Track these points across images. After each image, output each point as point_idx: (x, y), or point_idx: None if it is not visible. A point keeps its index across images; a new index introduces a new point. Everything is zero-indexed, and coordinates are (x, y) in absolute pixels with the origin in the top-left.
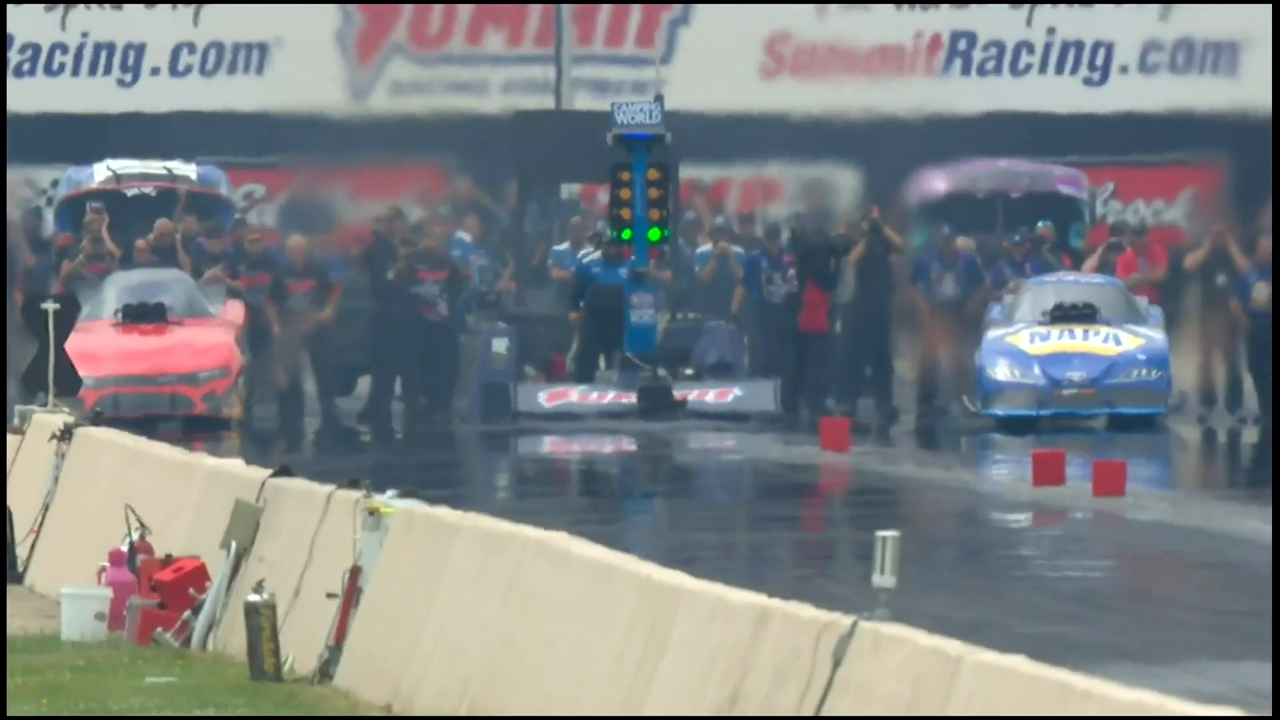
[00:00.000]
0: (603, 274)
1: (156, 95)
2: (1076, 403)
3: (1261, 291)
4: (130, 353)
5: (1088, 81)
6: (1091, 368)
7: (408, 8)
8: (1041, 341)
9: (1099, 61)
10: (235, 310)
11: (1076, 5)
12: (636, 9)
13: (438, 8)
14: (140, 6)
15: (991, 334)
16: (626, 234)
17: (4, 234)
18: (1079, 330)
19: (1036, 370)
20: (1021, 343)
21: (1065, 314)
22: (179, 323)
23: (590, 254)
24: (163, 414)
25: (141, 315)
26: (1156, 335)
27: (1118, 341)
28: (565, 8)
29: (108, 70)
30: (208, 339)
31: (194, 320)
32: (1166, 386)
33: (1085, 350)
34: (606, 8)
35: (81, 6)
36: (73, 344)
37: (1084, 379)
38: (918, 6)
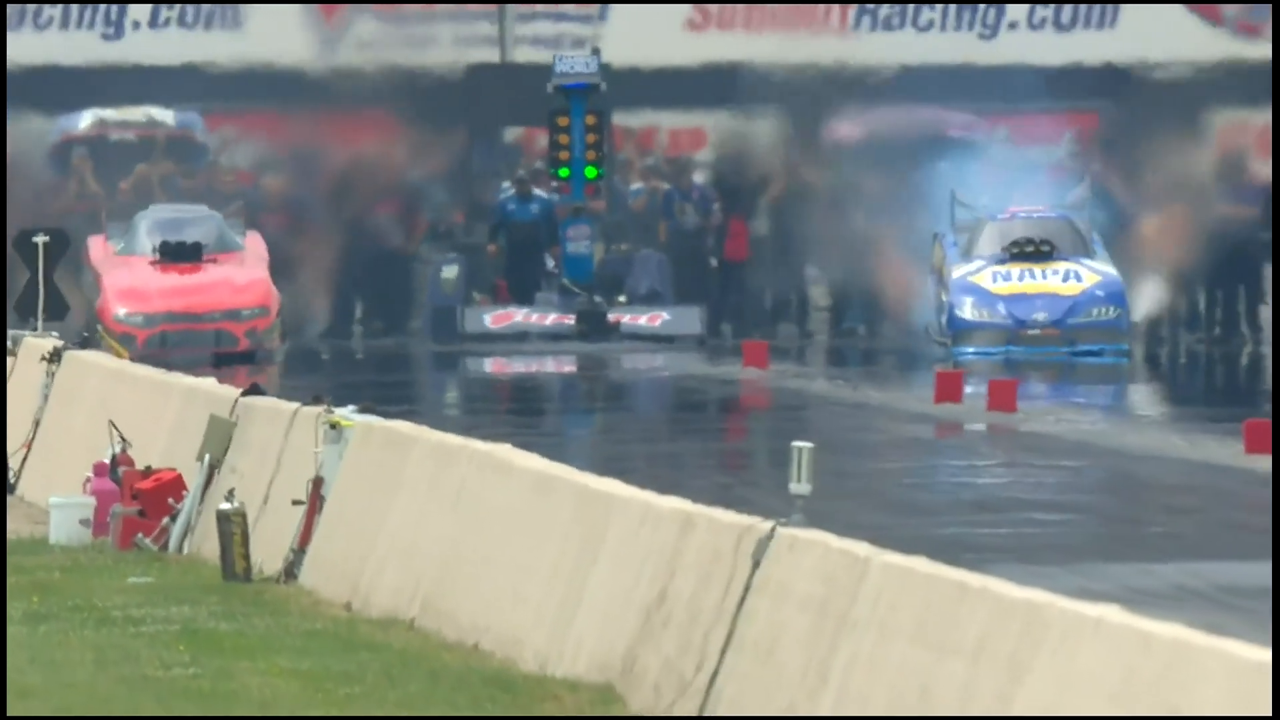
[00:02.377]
0: (516, 211)
1: (137, 48)
2: (1042, 342)
3: (1145, 224)
4: (174, 290)
5: (982, 36)
6: (1054, 308)
7: None
8: (1004, 281)
9: (990, 19)
10: (257, 242)
11: None
12: None
13: None
14: None
15: (956, 272)
16: (565, 172)
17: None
18: (1039, 269)
19: (1003, 310)
20: (985, 281)
21: (1024, 251)
22: (214, 259)
23: (508, 191)
24: (208, 350)
25: (180, 254)
26: (1111, 271)
27: (1077, 279)
28: None
29: (92, 25)
30: (245, 276)
31: (226, 256)
32: (1126, 324)
33: (1048, 290)
34: None
35: None
36: (116, 279)
37: (1047, 319)
38: None
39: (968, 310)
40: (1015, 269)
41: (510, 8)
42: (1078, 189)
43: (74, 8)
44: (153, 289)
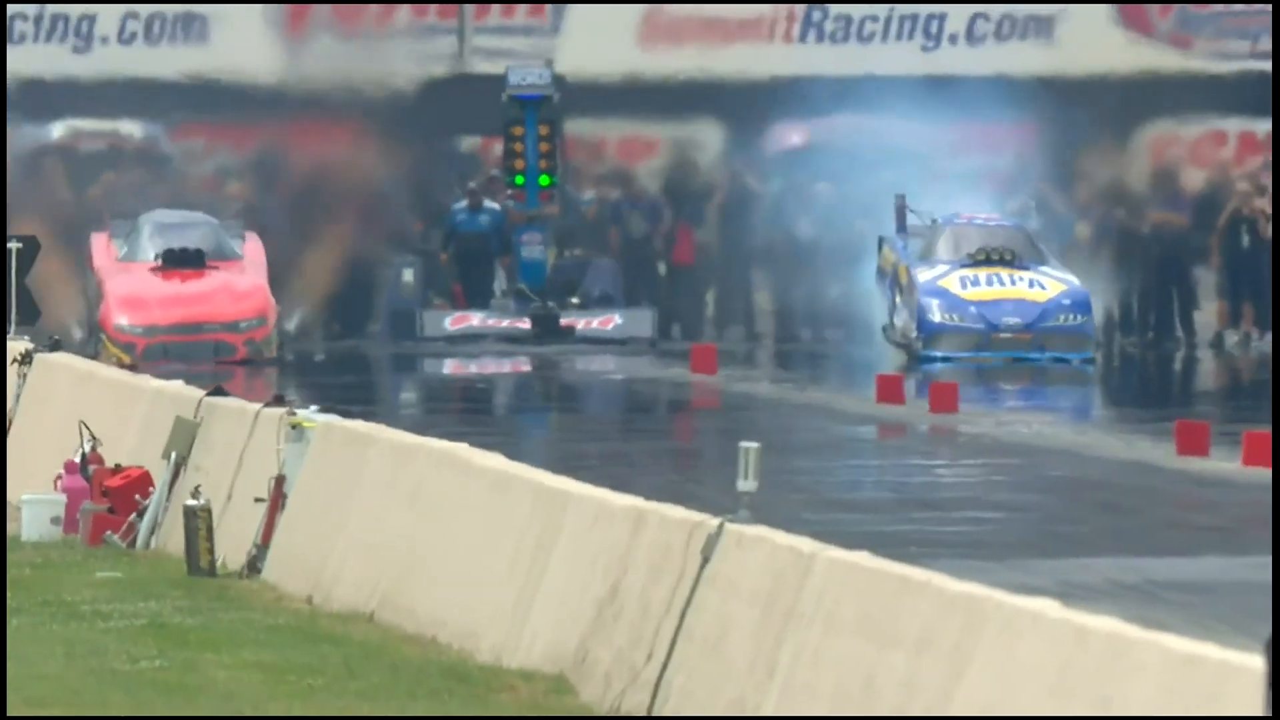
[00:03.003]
0: (466, 222)
1: (106, 61)
2: (1012, 346)
3: (1081, 231)
4: (174, 298)
5: (924, 49)
6: (1025, 313)
7: None
8: (974, 286)
9: (933, 31)
10: (256, 248)
11: None
12: None
13: None
14: None
15: (921, 275)
16: (519, 180)
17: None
18: (1006, 275)
19: (974, 313)
20: (953, 286)
21: (989, 258)
22: (215, 267)
23: (461, 202)
24: (207, 360)
25: (182, 260)
26: (1074, 279)
27: (1042, 287)
28: None
29: (63, 38)
30: (244, 284)
31: (226, 263)
32: (1092, 330)
33: (1018, 296)
34: None
35: None
36: (117, 286)
37: (1019, 324)
38: None
39: (936, 313)
40: (982, 274)
41: (467, 22)
42: (1021, 198)
43: (45, 22)
44: (153, 298)
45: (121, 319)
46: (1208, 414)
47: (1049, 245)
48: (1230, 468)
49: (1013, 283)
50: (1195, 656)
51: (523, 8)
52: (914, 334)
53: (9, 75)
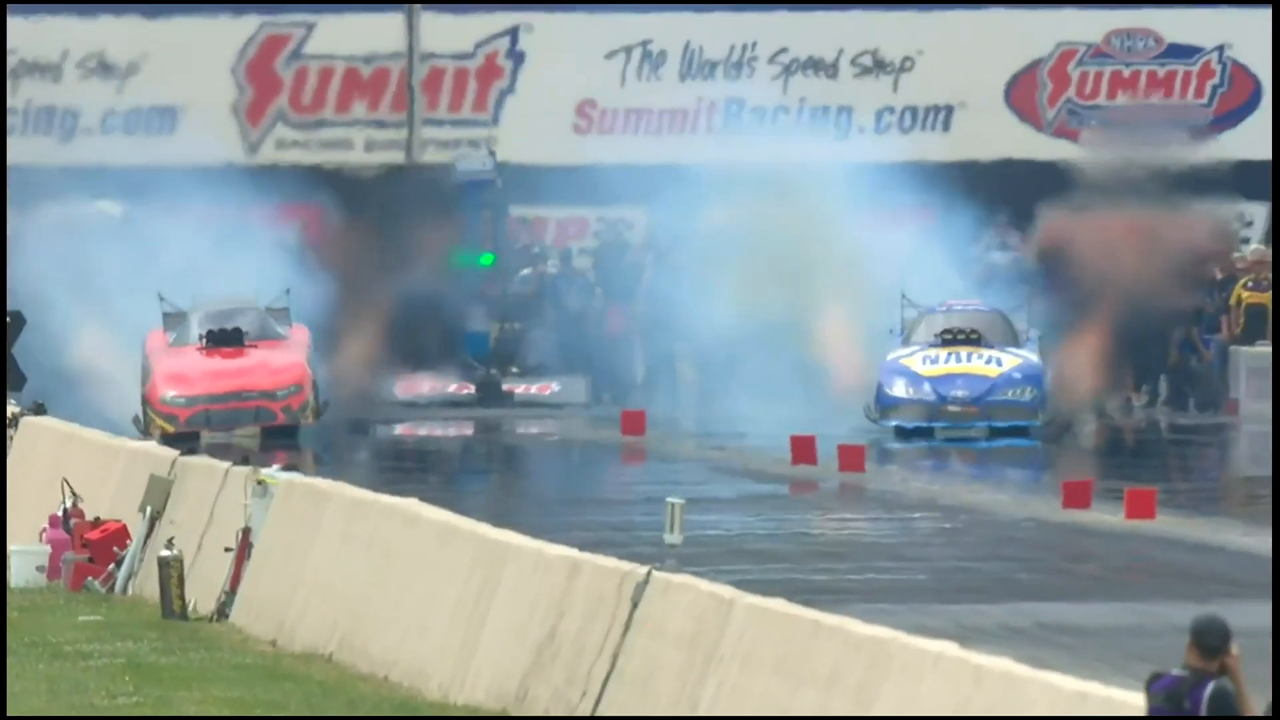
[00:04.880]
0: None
1: (89, 151)
2: (961, 417)
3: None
4: (216, 373)
5: (835, 138)
6: (974, 387)
7: (288, 82)
8: (932, 364)
9: (842, 123)
10: (301, 332)
11: (825, 78)
12: (472, 80)
13: (311, 81)
14: (76, 77)
15: (890, 355)
16: (464, 259)
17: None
18: (964, 353)
19: (927, 388)
20: (915, 364)
21: (954, 338)
22: (255, 345)
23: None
24: (249, 426)
25: (223, 340)
26: (1033, 357)
27: (999, 364)
28: (415, 80)
29: (49, 130)
30: (282, 359)
31: (267, 342)
32: (1040, 402)
33: (970, 371)
34: (449, 80)
35: (26, 78)
36: (164, 365)
37: (967, 397)
38: (699, 78)
39: (898, 388)
40: (944, 353)
41: (416, 116)
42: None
43: (31, 114)
44: (197, 373)
45: (167, 392)
46: (1090, 472)
47: (1031, 328)
48: (1113, 520)
49: (969, 360)
50: (1082, 693)
51: (467, 102)
52: (874, 406)
53: None
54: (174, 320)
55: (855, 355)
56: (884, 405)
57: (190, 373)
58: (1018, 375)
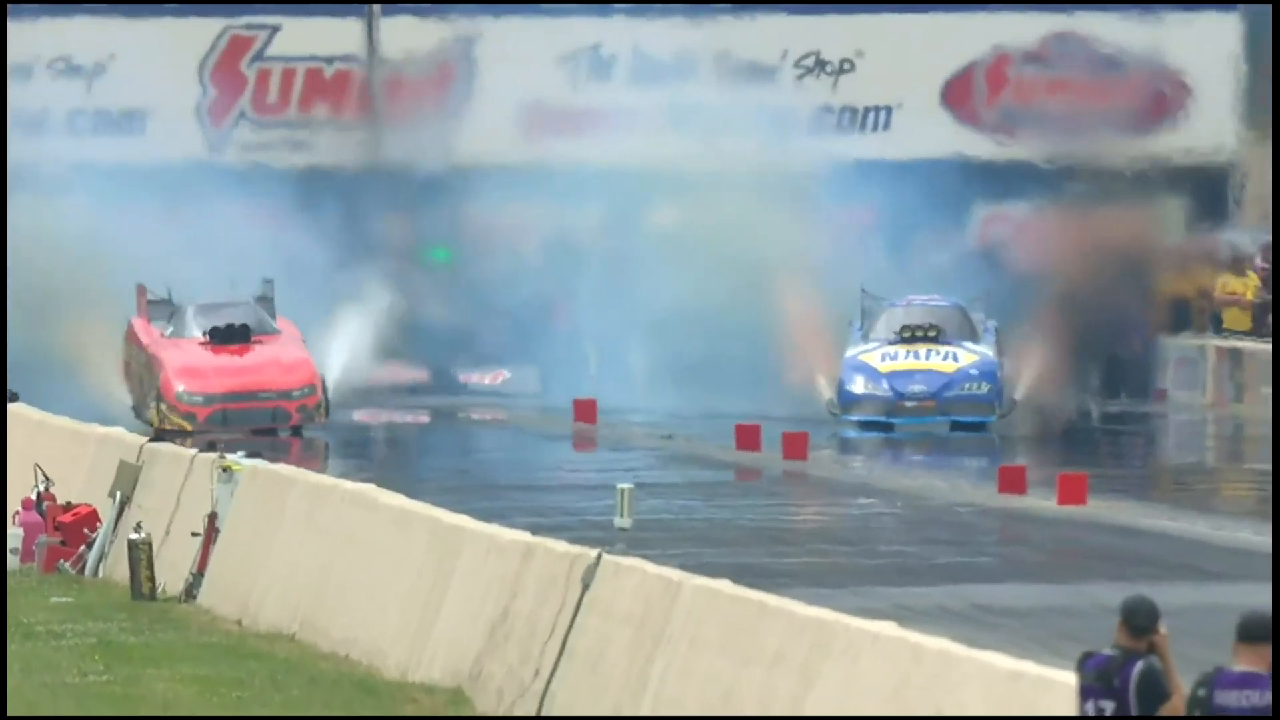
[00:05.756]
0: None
1: (58, 149)
2: (918, 412)
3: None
4: (230, 369)
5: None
6: (931, 383)
7: (250, 83)
8: (890, 360)
9: (784, 122)
10: (289, 325)
11: (767, 79)
12: (429, 83)
13: (274, 83)
14: (46, 77)
15: (850, 352)
16: (423, 254)
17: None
18: (923, 350)
19: (885, 385)
20: (874, 361)
21: (913, 334)
22: (259, 340)
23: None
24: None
25: (229, 336)
26: (989, 352)
27: (955, 359)
28: (377, 81)
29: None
30: (290, 356)
31: (268, 337)
32: (995, 397)
33: (927, 368)
34: (408, 82)
35: None
36: (173, 358)
37: (924, 392)
38: (646, 81)
39: (858, 385)
40: (903, 349)
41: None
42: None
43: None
44: (209, 368)
45: (180, 386)
46: (1026, 460)
47: (992, 325)
48: (1046, 505)
49: (927, 356)
50: (1016, 672)
51: (425, 103)
52: (836, 405)
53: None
54: (159, 309)
55: (811, 346)
56: (845, 401)
57: (203, 369)
58: (974, 371)
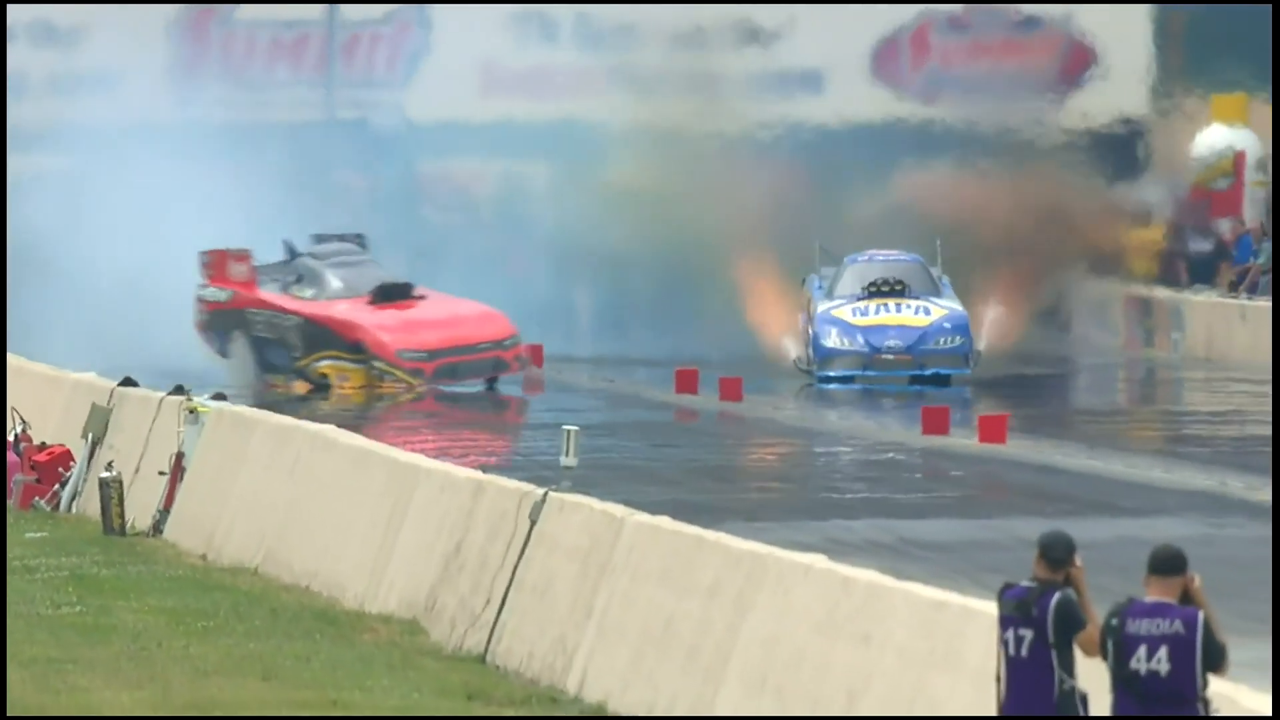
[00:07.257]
0: None
1: (35, 109)
2: (895, 365)
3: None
4: (432, 323)
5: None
6: (906, 337)
7: (217, 44)
8: (862, 315)
9: (719, 86)
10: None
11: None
12: (385, 43)
13: (240, 44)
14: (23, 43)
15: (821, 307)
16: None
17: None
18: (893, 304)
19: (860, 339)
20: (846, 315)
21: (880, 289)
22: (423, 296)
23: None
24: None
25: (393, 294)
26: (957, 306)
27: (927, 313)
28: (336, 42)
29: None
30: (474, 309)
31: (433, 293)
32: (969, 349)
33: (901, 322)
34: (365, 42)
35: None
36: (364, 319)
37: (900, 346)
38: (591, 44)
39: (833, 339)
40: (874, 304)
41: (335, 75)
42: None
43: None
44: (414, 325)
45: (395, 346)
46: (951, 401)
47: (947, 279)
48: (968, 444)
49: (899, 310)
50: (941, 602)
51: (380, 62)
52: (811, 358)
53: None
54: (272, 270)
55: (766, 298)
56: (820, 356)
57: (412, 325)
58: (947, 325)
